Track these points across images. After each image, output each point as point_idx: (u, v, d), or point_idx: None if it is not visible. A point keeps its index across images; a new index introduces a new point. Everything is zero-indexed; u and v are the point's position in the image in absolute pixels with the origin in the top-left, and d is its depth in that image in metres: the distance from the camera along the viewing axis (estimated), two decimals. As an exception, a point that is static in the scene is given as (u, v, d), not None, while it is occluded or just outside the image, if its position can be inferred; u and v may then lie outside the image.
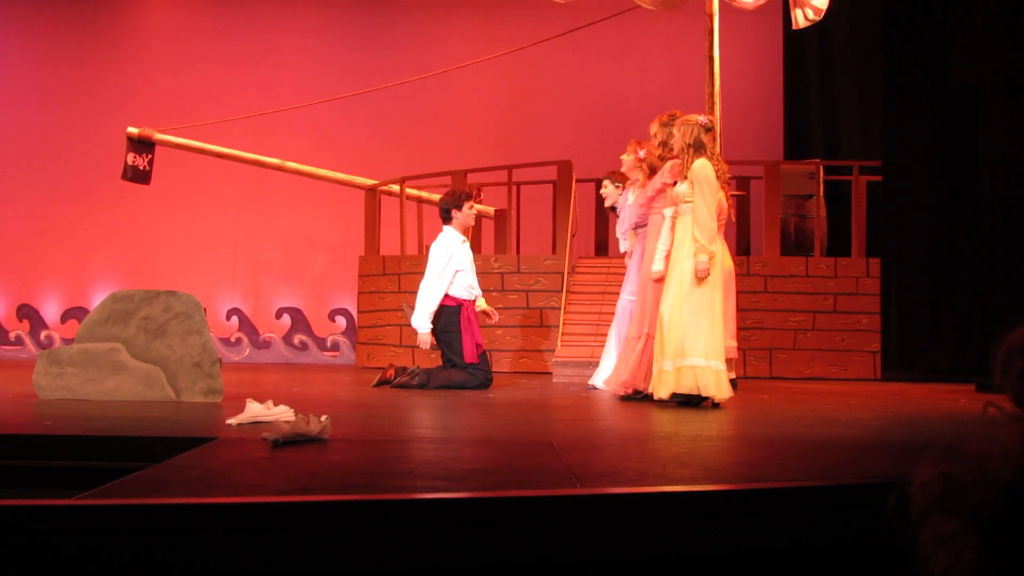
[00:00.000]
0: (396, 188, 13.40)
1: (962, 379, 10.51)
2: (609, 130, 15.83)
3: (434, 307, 9.74)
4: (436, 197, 13.84)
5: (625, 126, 15.65)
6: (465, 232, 9.99)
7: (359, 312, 13.72)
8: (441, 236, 9.98)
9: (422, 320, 9.77)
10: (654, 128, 9.08)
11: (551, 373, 11.36)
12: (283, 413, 6.18)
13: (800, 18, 12.85)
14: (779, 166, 12.71)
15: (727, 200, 8.78)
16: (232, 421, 6.08)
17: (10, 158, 16.26)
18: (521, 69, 15.49)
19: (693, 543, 3.63)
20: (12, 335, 15.87)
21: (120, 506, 3.40)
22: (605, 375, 9.75)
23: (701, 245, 7.88)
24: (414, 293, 12.59)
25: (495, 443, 5.67)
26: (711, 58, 13.31)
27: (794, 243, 12.94)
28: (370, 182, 13.78)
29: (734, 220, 13.64)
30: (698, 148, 8.10)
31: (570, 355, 11.34)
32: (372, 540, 3.38)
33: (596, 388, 10.07)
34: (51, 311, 16.12)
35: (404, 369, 9.73)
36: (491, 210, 13.79)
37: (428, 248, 12.82)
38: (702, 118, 8.19)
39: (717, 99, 13.31)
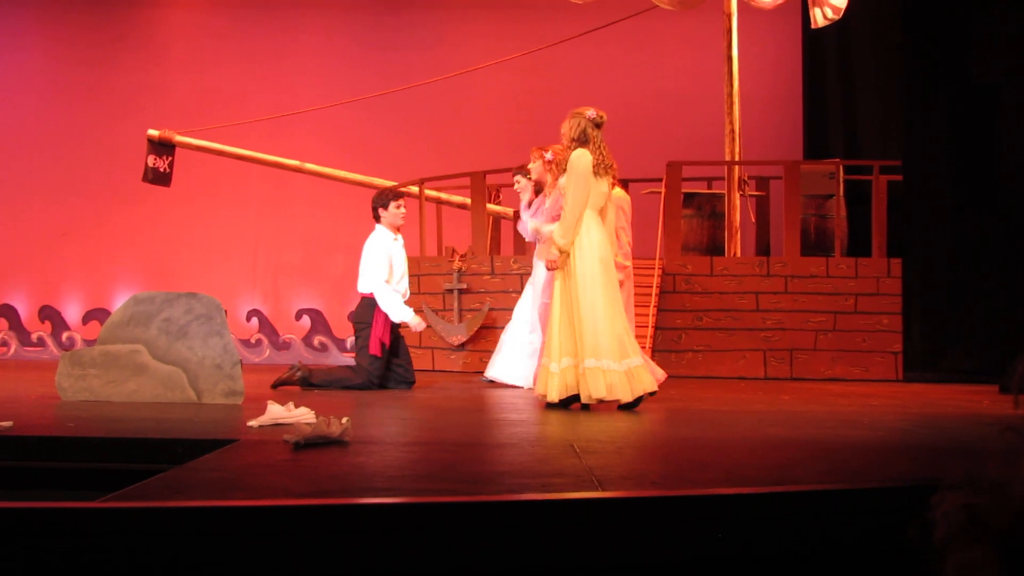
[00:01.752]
0: (415, 189, 13.40)
1: (985, 380, 10.47)
2: (628, 131, 15.80)
3: (397, 311, 9.80)
4: (456, 199, 13.85)
5: (644, 126, 15.66)
6: (395, 230, 10.06)
7: (379, 313, 13.71)
8: (373, 235, 10.05)
9: (400, 314, 9.80)
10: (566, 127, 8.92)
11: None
12: (304, 415, 6.19)
13: (819, 17, 12.84)
14: (799, 166, 12.66)
15: (623, 202, 8.75)
16: (253, 423, 6.09)
17: (32, 160, 16.32)
18: (540, 70, 15.47)
19: (715, 546, 3.62)
20: (34, 336, 15.93)
21: (143, 509, 3.40)
22: (504, 370, 10.01)
23: (559, 236, 7.70)
24: (435, 294, 12.62)
25: (516, 446, 5.66)
26: (729, 58, 13.30)
27: (814, 243, 12.91)
28: (389, 183, 13.78)
29: (753, 220, 13.67)
30: (582, 143, 7.91)
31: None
32: (394, 543, 3.38)
33: (494, 381, 10.23)
34: (73, 313, 16.17)
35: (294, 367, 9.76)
36: (510, 211, 13.77)
37: (447, 249, 12.85)
38: (591, 112, 8.01)
39: (736, 99, 13.30)
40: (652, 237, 12.60)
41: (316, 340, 15.89)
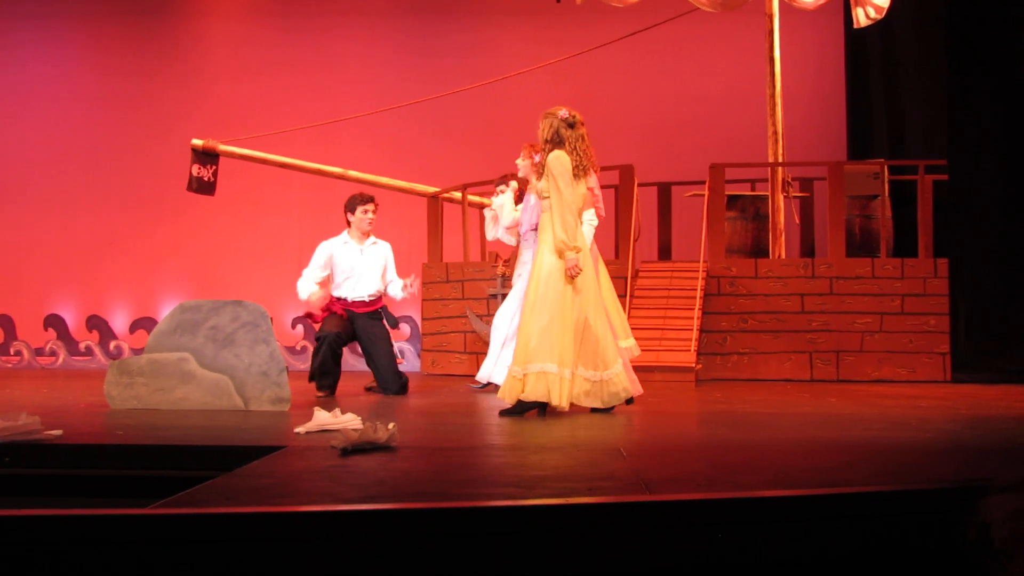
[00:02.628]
0: (458, 195, 13.42)
1: (1034, 380, 10.39)
2: (670, 133, 15.80)
3: (302, 291, 9.94)
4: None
5: (686, 129, 15.63)
6: (363, 235, 10.04)
7: (423, 319, 13.73)
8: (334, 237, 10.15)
9: (301, 292, 9.97)
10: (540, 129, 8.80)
11: (616, 378, 11.31)
12: (350, 421, 6.20)
13: (861, 16, 12.76)
14: (843, 167, 12.58)
15: (595, 198, 8.68)
16: (300, 429, 6.11)
17: (79, 171, 16.45)
18: (581, 74, 15.45)
19: (764, 548, 3.61)
20: (82, 346, 16.04)
21: (193, 515, 3.42)
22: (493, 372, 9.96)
23: (563, 241, 7.51)
24: (478, 299, 12.62)
25: (563, 449, 5.66)
26: (772, 59, 13.24)
27: (859, 244, 12.83)
28: (432, 189, 13.81)
29: (797, 222, 13.60)
30: (557, 143, 7.75)
31: (635, 359, 11.29)
32: (443, 548, 3.38)
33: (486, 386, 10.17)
34: (120, 322, 16.28)
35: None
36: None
37: (490, 255, 12.86)
38: (564, 112, 7.84)
39: (778, 100, 13.24)
40: (696, 240, 12.56)
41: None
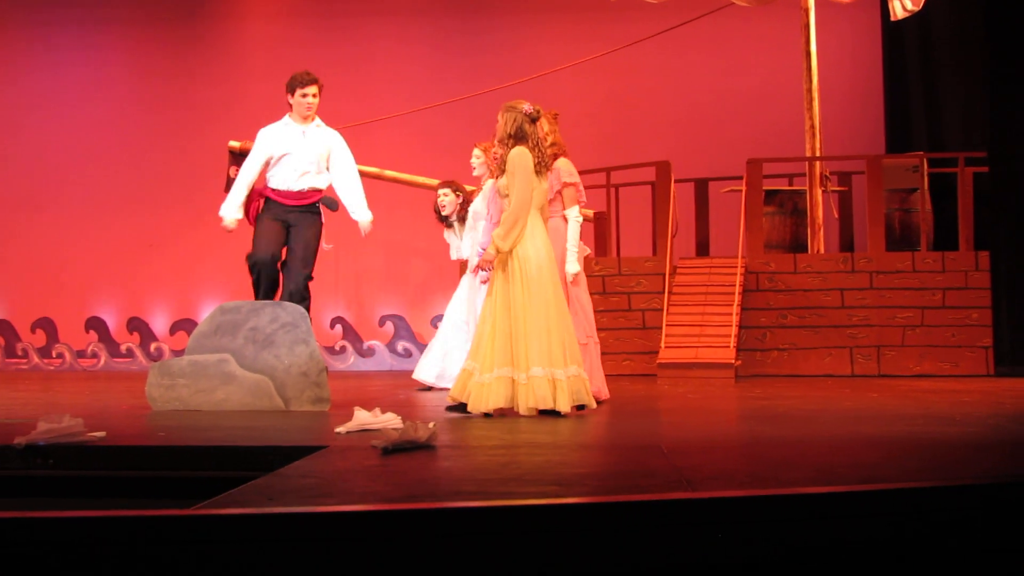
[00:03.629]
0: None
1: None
2: (707, 129, 15.73)
3: (237, 192, 8.95)
4: (586, 212, 13.87)
5: (723, 124, 15.56)
6: (303, 119, 8.99)
7: (465, 320, 13.76)
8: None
9: (225, 206, 9.02)
10: (548, 126, 8.44)
11: (655, 375, 11.30)
12: (391, 420, 6.21)
13: (898, 9, 12.68)
14: (881, 160, 12.52)
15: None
16: (341, 429, 6.13)
17: (117, 174, 16.54)
18: (617, 70, 15.43)
19: (808, 545, 3.59)
20: (123, 347, 16.14)
21: (236, 516, 3.44)
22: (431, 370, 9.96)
23: (498, 235, 7.32)
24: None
25: (603, 447, 5.66)
26: (808, 53, 13.20)
27: (899, 238, 12.76)
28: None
29: (836, 216, 13.53)
30: (519, 139, 7.50)
31: (674, 357, 11.28)
32: (485, 547, 3.38)
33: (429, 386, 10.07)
34: (160, 323, 16.37)
35: None
36: (590, 213, 13.75)
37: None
38: (527, 106, 7.60)
39: (815, 94, 13.19)
40: (734, 235, 12.53)
41: (400, 346, 15.95)
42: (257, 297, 8.73)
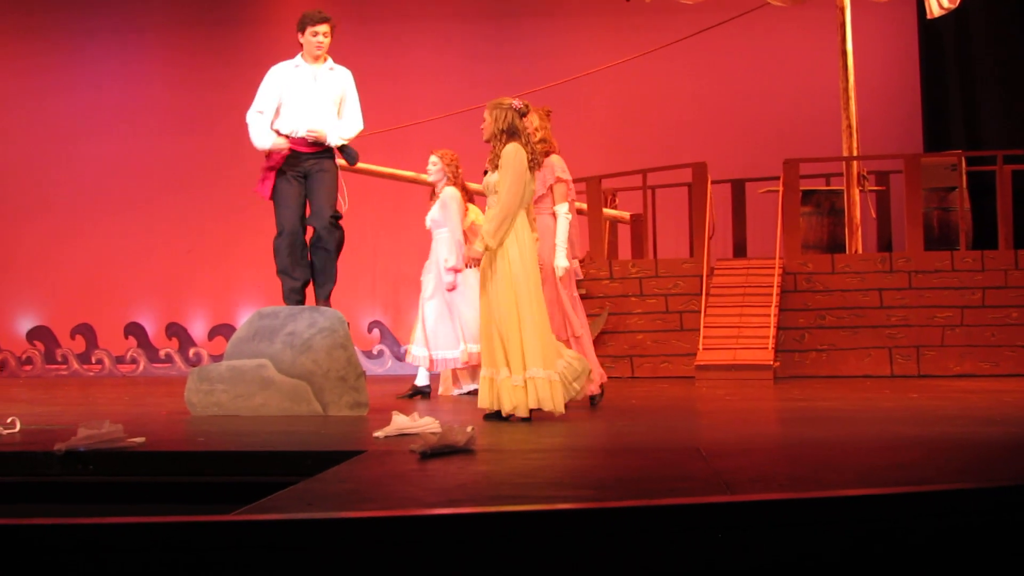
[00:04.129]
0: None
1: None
2: (743, 130, 15.69)
3: (261, 140, 8.58)
4: (579, 205, 13.84)
5: (760, 125, 15.51)
6: (313, 59, 8.65)
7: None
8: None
9: (260, 140, 8.66)
10: (538, 122, 8.29)
11: (693, 377, 11.27)
12: (429, 425, 6.21)
13: (934, 7, 12.61)
14: (919, 159, 12.45)
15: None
16: (379, 434, 6.13)
17: (156, 180, 16.63)
18: (652, 72, 15.40)
19: (848, 548, 3.57)
20: (162, 353, 16.23)
21: (276, 521, 3.44)
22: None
23: (486, 232, 7.21)
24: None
25: (641, 450, 5.64)
26: (844, 52, 13.13)
27: (938, 237, 12.68)
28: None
29: (874, 216, 13.46)
30: (511, 134, 7.38)
31: (712, 358, 11.25)
32: (524, 551, 3.38)
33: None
34: (199, 329, 16.45)
35: None
36: (627, 215, 13.74)
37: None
38: (516, 102, 7.49)
39: (852, 93, 13.13)
40: (771, 236, 12.48)
41: (437, 350, 15.92)
42: (285, 269, 8.50)
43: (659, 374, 12.09)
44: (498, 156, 7.39)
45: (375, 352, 15.85)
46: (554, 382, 7.16)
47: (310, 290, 8.61)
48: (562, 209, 8.12)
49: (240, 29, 16.79)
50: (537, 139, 8.08)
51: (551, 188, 8.16)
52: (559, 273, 8.02)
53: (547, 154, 8.16)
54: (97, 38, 17.09)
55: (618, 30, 15.91)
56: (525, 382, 7.10)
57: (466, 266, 7.55)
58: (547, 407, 7.10)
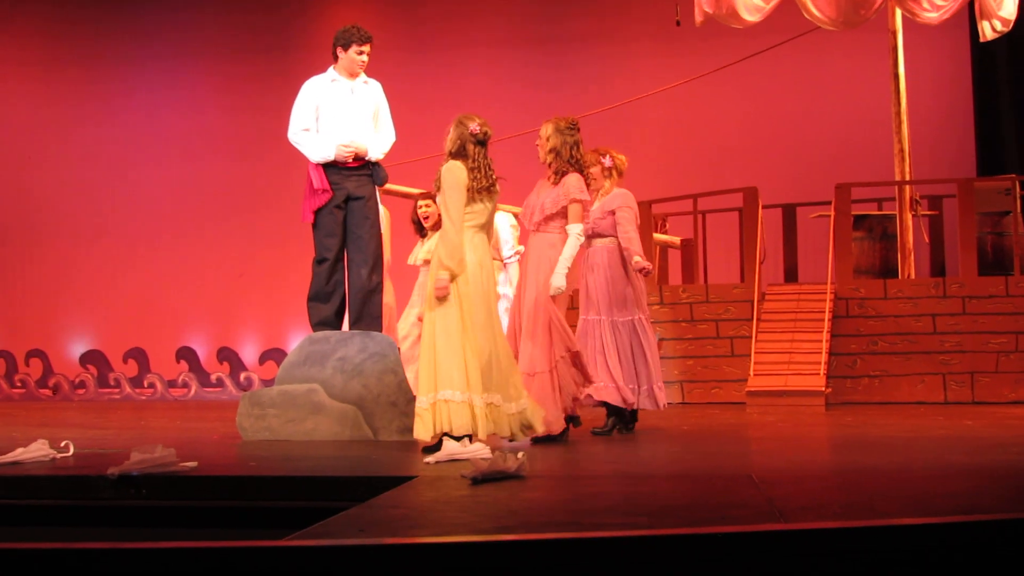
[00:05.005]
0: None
1: None
2: (795, 154, 15.64)
3: (316, 154, 8.42)
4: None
5: (811, 149, 15.46)
6: (351, 76, 8.55)
7: (548, 346, 13.76)
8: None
9: (319, 152, 8.48)
10: (547, 131, 8.18)
11: (744, 403, 11.21)
12: (480, 451, 6.21)
13: (987, 30, 12.53)
14: (973, 183, 12.35)
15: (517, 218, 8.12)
16: (430, 459, 6.14)
17: (209, 207, 16.77)
18: (703, 96, 15.39)
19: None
20: (213, 377, 16.32)
21: (329, 547, 3.45)
22: None
23: (439, 258, 7.07)
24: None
25: (693, 477, 5.61)
26: (896, 76, 13.06)
27: (992, 262, 12.55)
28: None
29: (927, 240, 13.35)
30: (457, 156, 7.27)
31: (764, 384, 11.19)
32: (577, 579, 3.37)
33: None
34: (250, 353, 16.54)
35: None
36: (677, 240, 13.71)
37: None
38: (475, 125, 7.33)
39: (904, 117, 13.06)
40: (823, 261, 12.41)
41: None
42: (323, 288, 8.47)
43: (710, 400, 12.03)
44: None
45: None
46: (477, 407, 6.87)
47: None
48: (575, 229, 7.76)
49: (290, 55, 16.89)
50: (547, 149, 8.04)
51: (565, 208, 7.80)
52: (552, 291, 7.61)
53: (565, 173, 7.92)
54: (151, 66, 17.29)
55: (669, 55, 15.91)
56: (432, 405, 6.87)
57: (439, 299, 7.25)
58: (459, 432, 6.75)
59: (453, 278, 7.05)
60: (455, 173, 7.18)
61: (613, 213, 8.38)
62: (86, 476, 5.69)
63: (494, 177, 7.35)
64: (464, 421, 6.78)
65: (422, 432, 6.85)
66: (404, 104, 9.00)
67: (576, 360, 7.70)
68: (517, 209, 8.69)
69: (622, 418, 8.18)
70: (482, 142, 7.34)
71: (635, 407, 8.19)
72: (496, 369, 7.04)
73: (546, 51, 16.68)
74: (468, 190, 7.19)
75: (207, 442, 8.04)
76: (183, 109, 17.16)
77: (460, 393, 6.85)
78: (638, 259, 8.14)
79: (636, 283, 8.37)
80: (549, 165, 8.06)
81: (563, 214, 7.82)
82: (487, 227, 7.38)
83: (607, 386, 8.05)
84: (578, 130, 8.16)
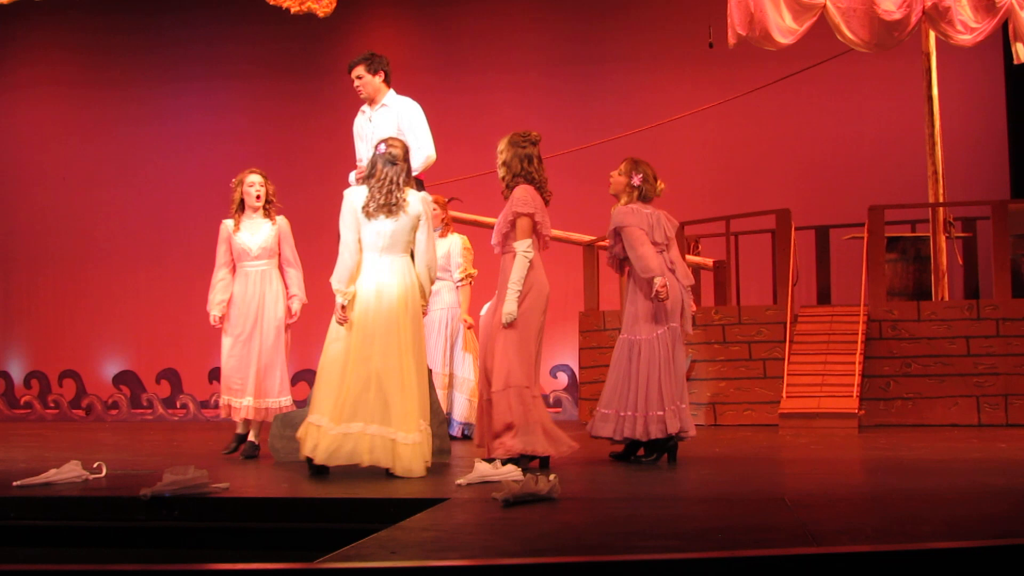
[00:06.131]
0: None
1: None
2: (828, 176, 15.61)
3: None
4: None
5: (843, 171, 15.43)
6: (368, 104, 8.70)
7: (580, 368, 13.74)
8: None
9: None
10: (501, 146, 7.94)
11: (777, 425, 11.16)
12: (511, 472, 6.21)
13: (1022, 51, 12.48)
14: (1007, 205, 12.28)
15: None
16: (462, 481, 6.14)
17: (239, 227, 16.84)
18: (736, 118, 15.38)
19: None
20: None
21: (361, 570, 3.45)
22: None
23: (332, 283, 7.31)
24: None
25: (725, 500, 5.59)
26: (930, 97, 13.02)
27: (1027, 284, 12.48)
28: (588, 238, 13.83)
29: (960, 263, 13.28)
30: (368, 177, 7.30)
31: (796, 406, 11.14)
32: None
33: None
34: (281, 374, 16.57)
35: None
36: (710, 262, 13.68)
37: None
38: (382, 146, 7.27)
39: (937, 139, 13.00)
40: (856, 283, 12.36)
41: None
42: None
43: (742, 422, 11.99)
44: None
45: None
46: (320, 426, 6.86)
47: None
48: (520, 247, 7.35)
49: (324, 78, 16.94)
50: (499, 163, 7.79)
51: (512, 223, 7.47)
52: (504, 320, 7.27)
53: (515, 187, 7.63)
54: (182, 87, 17.41)
55: (701, 76, 15.91)
56: (306, 426, 6.96)
57: (339, 323, 7.21)
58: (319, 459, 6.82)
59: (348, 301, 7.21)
60: (347, 198, 7.27)
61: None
62: (119, 497, 5.73)
63: (400, 196, 7.19)
64: (327, 446, 6.78)
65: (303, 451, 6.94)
66: (435, 125, 8.99)
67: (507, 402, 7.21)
68: (493, 221, 8.30)
69: (655, 447, 7.81)
70: (391, 161, 7.24)
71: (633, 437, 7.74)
72: (376, 398, 6.89)
73: (579, 72, 16.71)
74: (364, 208, 7.16)
75: (239, 464, 8.06)
76: (218, 132, 17.26)
77: (327, 419, 6.85)
78: (658, 281, 7.73)
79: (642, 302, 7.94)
80: (502, 179, 7.76)
81: (513, 231, 7.47)
82: (400, 247, 7.24)
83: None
84: (533, 143, 7.90)
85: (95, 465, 6.74)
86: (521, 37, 16.97)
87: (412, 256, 7.34)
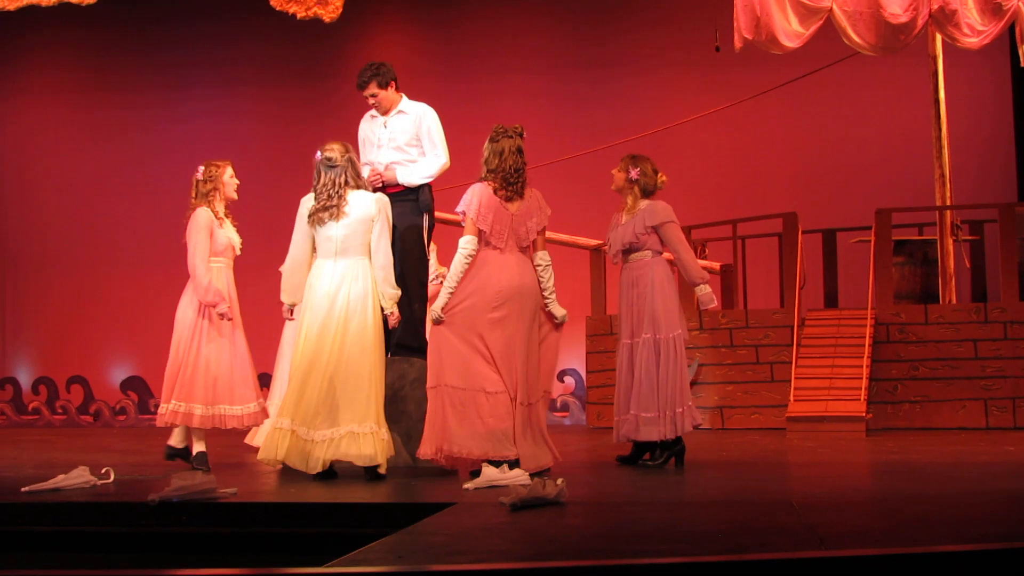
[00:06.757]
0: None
1: None
2: (835, 179, 15.59)
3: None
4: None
5: (850, 174, 15.41)
6: (382, 112, 8.60)
7: (588, 372, 13.73)
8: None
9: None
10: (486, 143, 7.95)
11: (784, 429, 11.16)
12: (519, 477, 6.21)
13: (1028, 54, 12.47)
14: (1014, 208, 12.27)
15: None
16: (469, 486, 6.14)
17: (250, 232, 16.78)
18: (742, 122, 15.38)
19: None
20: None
21: (369, 574, 3.46)
22: None
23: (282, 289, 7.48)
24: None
25: (732, 503, 5.59)
26: (936, 101, 13.01)
27: (1034, 287, 12.46)
28: (594, 242, 13.82)
29: (968, 266, 13.27)
30: (316, 183, 7.51)
31: (803, 410, 11.13)
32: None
33: None
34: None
35: None
36: (716, 265, 13.68)
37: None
38: (319, 153, 7.46)
39: (944, 142, 13.00)
40: (863, 286, 12.35)
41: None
42: None
43: (749, 426, 11.98)
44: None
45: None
46: (282, 430, 7.01)
47: None
48: (460, 242, 7.33)
49: (331, 83, 16.97)
50: (482, 160, 7.79)
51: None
52: (430, 315, 7.31)
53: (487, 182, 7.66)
54: (193, 93, 17.45)
55: (707, 80, 15.90)
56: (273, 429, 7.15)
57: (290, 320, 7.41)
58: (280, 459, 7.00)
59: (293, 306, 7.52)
60: (301, 206, 7.53)
61: (655, 229, 8.12)
62: (127, 503, 5.74)
63: (340, 198, 7.34)
64: (285, 448, 6.96)
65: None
66: (444, 130, 9.01)
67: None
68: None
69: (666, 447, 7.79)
70: (330, 166, 7.40)
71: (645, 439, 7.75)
72: (317, 399, 7.04)
73: (585, 77, 16.71)
74: (311, 217, 7.38)
75: (246, 469, 8.07)
76: (223, 137, 17.27)
77: (286, 421, 7.04)
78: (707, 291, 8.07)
79: (671, 300, 8.14)
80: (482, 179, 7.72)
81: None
82: (356, 250, 7.34)
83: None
84: (509, 136, 7.97)
85: (103, 471, 6.76)
86: (526, 42, 16.97)
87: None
